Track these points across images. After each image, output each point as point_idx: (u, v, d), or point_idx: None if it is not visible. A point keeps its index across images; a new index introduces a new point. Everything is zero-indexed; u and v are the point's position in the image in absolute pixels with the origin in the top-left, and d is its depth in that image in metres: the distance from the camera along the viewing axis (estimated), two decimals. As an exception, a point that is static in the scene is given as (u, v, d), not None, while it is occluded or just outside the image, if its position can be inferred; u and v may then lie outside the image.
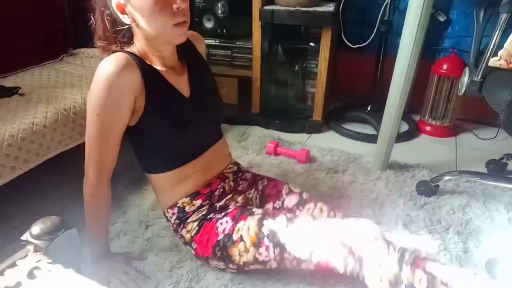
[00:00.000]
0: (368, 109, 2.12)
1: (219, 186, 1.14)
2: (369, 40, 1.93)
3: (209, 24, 2.05)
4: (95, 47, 1.03)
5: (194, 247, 1.08)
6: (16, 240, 0.75)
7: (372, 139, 1.82)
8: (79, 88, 1.54)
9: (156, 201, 1.19)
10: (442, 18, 1.95)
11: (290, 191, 1.18)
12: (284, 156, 1.75)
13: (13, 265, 0.68)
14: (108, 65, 0.90)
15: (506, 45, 1.19)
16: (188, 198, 1.10)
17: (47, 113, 1.32)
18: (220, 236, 1.03)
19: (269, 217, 1.02)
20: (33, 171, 1.26)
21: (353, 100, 2.27)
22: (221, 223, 1.04)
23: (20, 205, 1.36)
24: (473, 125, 2.06)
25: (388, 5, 1.88)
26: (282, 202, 1.16)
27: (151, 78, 0.96)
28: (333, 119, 2.09)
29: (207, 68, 1.19)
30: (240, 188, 1.18)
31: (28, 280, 0.65)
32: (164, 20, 0.91)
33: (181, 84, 1.05)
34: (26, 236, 0.74)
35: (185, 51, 1.10)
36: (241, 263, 1.02)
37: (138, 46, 1.00)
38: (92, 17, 1.01)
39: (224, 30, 2.04)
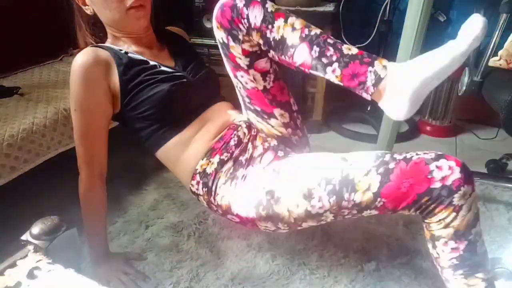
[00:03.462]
0: (368, 109, 2.12)
1: (232, 135, 1.02)
2: (369, 40, 1.93)
3: (209, 24, 2.04)
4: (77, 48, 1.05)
5: (235, 212, 0.95)
6: (16, 240, 0.75)
7: (372, 139, 1.82)
8: (79, 88, 1.54)
9: (181, 182, 1.07)
10: (442, 18, 1.95)
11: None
12: (284, 156, 1.75)
13: (13, 265, 0.68)
14: (76, 61, 0.92)
15: (506, 45, 1.19)
16: (204, 159, 0.99)
17: (47, 113, 1.32)
18: (262, 194, 0.90)
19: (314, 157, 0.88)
20: (33, 171, 1.26)
21: (353, 100, 2.27)
22: (258, 179, 0.93)
23: (20, 205, 1.36)
24: (473, 125, 2.06)
25: (388, 5, 1.88)
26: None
27: (121, 58, 0.97)
28: (333, 119, 2.09)
29: (191, 45, 1.20)
30: (253, 132, 1.06)
31: (28, 280, 0.65)
32: (116, 5, 0.93)
33: (162, 58, 1.06)
34: (26, 236, 0.74)
35: (164, 34, 1.13)
36: (292, 220, 0.87)
37: (109, 35, 1.02)
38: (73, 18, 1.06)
39: (224, 30, 2.03)
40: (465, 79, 1.30)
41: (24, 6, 1.78)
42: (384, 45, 1.96)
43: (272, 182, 0.90)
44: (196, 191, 1.01)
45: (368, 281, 1.09)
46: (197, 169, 0.99)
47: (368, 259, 1.16)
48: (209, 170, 0.98)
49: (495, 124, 1.96)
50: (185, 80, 1.02)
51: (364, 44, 1.96)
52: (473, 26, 0.78)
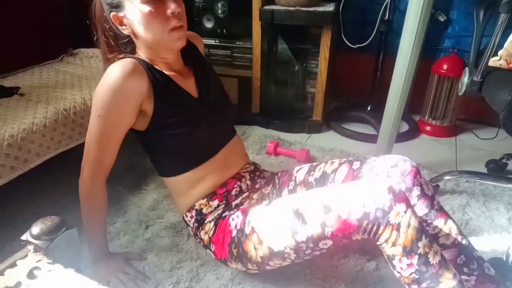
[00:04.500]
0: (368, 109, 2.12)
1: (235, 186, 1.11)
2: (369, 40, 1.93)
3: (209, 24, 2.05)
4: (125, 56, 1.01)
5: (213, 249, 1.06)
6: (16, 240, 0.75)
7: (372, 139, 1.82)
8: (79, 88, 1.54)
9: (175, 206, 1.16)
10: (442, 18, 1.96)
11: (301, 168, 1.15)
12: (284, 156, 1.75)
13: (13, 265, 0.68)
14: (115, 70, 0.91)
15: (506, 45, 1.19)
16: (205, 200, 1.08)
17: (47, 113, 1.32)
18: (234, 232, 0.99)
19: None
20: (33, 171, 1.26)
21: (353, 100, 2.28)
22: (232, 219, 1.01)
23: (20, 205, 1.36)
24: (473, 125, 2.06)
25: (388, 5, 1.88)
26: (295, 180, 1.13)
27: (159, 82, 0.97)
28: (333, 119, 2.09)
29: (211, 68, 1.20)
30: (257, 186, 1.16)
31: (28, 280, 0.65)
32: (160, 26, 0.92)
33: (189, 86, 1.06)
34: (26, 236, 0.74)
35: (189, 54, 1.12)
36: (259, 259, 0.95)
37: (142, 55, 1.01)
38: (95, 33, 1.04)
39: (224, 30, 2.04)
40: (465, 79, 1.30)
41: (24, 6, 1.78)
42: (384, 45, 1.96)
43: (244, 222, 0.98)
44: (187, 222, 1.12)
45: (368, 281, 1.09)
46: (195, 206, 1.08)
47: (368, 259, 1.16)
48: (205, 211, 1.08)
49: (495, 124, 1.96)
50: (208, 119, 1.06)
51: (364, 44, 1.96)
52: None
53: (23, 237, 0.74)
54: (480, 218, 1.34)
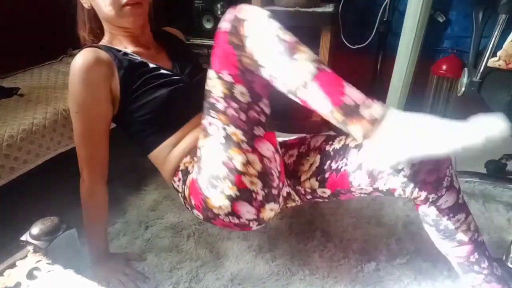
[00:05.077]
0: (368, 109, 2.12)
1: None
2: (368, 41, 1.93)
3: (208, 25, 2.05)
4: (85, 46, 1.00)
5: (193, 202, 0.94)
6: (16, 241, 0.75)
7: (371, 139, 1.82)
8: (78, 89, 1.54)
9: (165, 180, 1.07)
10: (441, 19, 1.96)
11: (315, 136, 1.08)
12: (284, 157, 1.75)
13: (13, 265, 0.69)
14: (77, 63, 0.91)
15: (505, 45, 1.19)
16: (188, 157, 1.00)
17: (47, 114, 1.32)
18: (196, 168, 0.92)
19: None
20: (33, 171, 1.26)
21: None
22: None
23: (20, 205, 1.36)
24: (473, 125, 2.06)
25: (388, 6, 1.88)
26: (308, 144, 1.06)
27: (121, 60, 0.96)
28: (333, 119, 2.09)
29: (188, 48, 1.20)
30: None
31: (28, 281, 0.65)
32: (111, 1, 0.92)
33: (160, 59, 1.05)
34: (25, 237, 0.75)
35: (163, 35, 1.13)
36: (234, 177, 0.84)
37: (106, 33, 1.02)
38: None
39: (224, 31, 2.04)
40: (464, 79, 1.30)
41: (24, 7, 1.78)
42: (383, 45, 1.96)
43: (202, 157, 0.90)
44: (177, 188, 1.02)
45: (367, 281, 1.09)
46: (179, 167, 1.00)
47: (367, 259, 1.16)
48: (191, 169, 0.97)
49: (494, 124, 1.96)
50: (182, 84, 1.02)
51: (363, 45, 1.96)
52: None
53: (23, 238, 0.75)
54: (480, 219, 1.34)
